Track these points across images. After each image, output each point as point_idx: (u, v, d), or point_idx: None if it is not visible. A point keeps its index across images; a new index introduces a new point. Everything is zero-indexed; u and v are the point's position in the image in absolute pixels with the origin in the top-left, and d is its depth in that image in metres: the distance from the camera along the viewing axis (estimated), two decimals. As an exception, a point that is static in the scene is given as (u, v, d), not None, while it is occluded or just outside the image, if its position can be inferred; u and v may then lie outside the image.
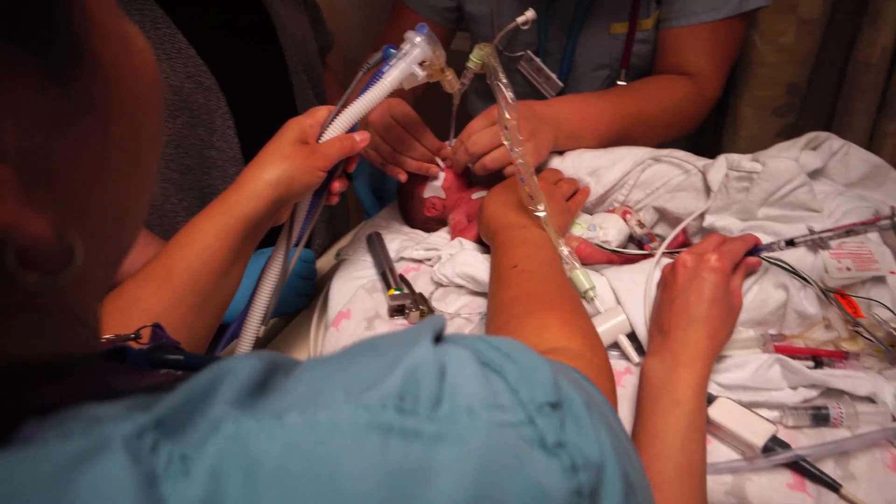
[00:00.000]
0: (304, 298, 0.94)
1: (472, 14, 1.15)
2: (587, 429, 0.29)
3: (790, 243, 0.65)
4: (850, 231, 0.61)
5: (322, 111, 0.73)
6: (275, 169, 0.67)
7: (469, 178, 0.94)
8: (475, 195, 0.91)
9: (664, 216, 0.87)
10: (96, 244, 0.27)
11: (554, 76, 1.14)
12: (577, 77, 1.14)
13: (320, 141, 0.72)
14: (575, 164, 0.91)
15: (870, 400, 0.61)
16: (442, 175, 0.92)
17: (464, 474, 0.24)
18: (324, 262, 1.07)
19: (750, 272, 0.68)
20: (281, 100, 1.07)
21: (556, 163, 0.92)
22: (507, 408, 0.27)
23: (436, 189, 0.92)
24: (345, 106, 0.73)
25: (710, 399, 0.62)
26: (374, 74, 0.73)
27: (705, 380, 0.59)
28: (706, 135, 1.43)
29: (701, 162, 0.85)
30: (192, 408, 0.25)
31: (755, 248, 0.67)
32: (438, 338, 0.30)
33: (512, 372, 0.29)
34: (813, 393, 0.61)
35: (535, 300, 0.59)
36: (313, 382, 0.27)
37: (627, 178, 0.89)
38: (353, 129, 0.74)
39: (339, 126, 0.72)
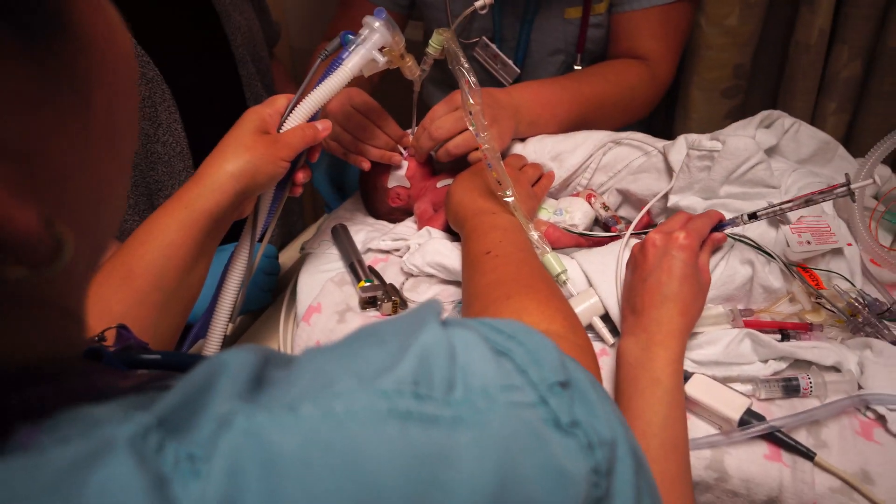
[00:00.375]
0: (268, 294, 0.91)
1: (425, 0, 1.14)
2: (596, 407, 0.29)
3: (753, 216, 0.67)
4: (808, 200, 0.63)
5: (281, 100, 0.71)
6: (237, 160, 0.65)
7: (433, 166, 0.93)
8: (440, 183, 0.90)
9: (627, 198, 0.88)
10: (79, 234, 0.25)
11: (510, 62, 1.13)
12: (533, 63, 1.14)
13: (281, 130, 0.70)
14: (537, 149, 0.91)
15: (836, 369, 0.63)
16: (405, 164, 0.91)
17: (486, 458, 0.24)
18: (286, 258, 1.04)
19: (716, 249, 0.69)
20: (229, 91, 1.03)
21: (518, 149, 0.92)
22: (520, 388, 0.27)
23: (399, 178, 0.91)
24: (304, 94, 0.71)
25: (686, 376, 0.63)
26: (333, 61, 0.71)
27: (681, 356, 0.59)
28: (658, 118, 1.46)
29: (660, 143, 0.86)
30: (192, 405, 0.23)
31: (720, 224, 0.69)
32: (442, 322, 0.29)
33: (519, 353, 0.28)
34: (782, 365, 0.63)
35: (511, 284, 0.59)
36: (319, 372, 0.26)
37: (589, 162, 0.90)
38: (314, 117, 0.72)
39: (300, 115, 0.70)
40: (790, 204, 0.64)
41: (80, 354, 0.29)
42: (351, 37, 0.73)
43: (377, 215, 0.96)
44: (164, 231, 0.62)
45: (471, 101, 0.72)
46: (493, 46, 1.13)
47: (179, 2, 0.94)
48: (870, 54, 1.19)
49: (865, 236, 0.74)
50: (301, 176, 0.73)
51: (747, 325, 0.66)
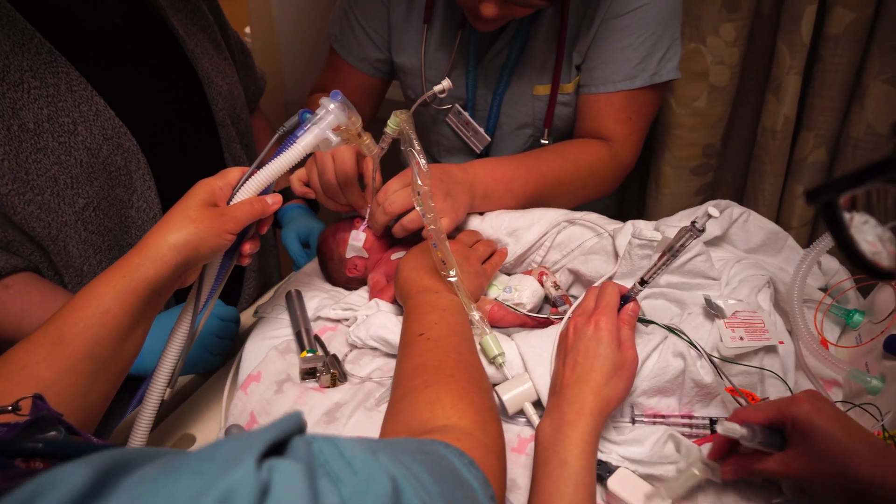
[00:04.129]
0: (218, 358, 0.92)
1: (401, 66, 1.18)
2: None
3: (643, 283, 0.70)
4: (672, 253, 0.67)
5: (234, 172, 0.73)
6: (180, 232, 0.66)
7: (390, 237, 0.95)
8: (394, 255, 0.91)
9: (578, 278, 0.89)
10: None
11: (481, 130, 1.17)
12: (502, 134, 1.18)
13: (231, 203, 0.72)
14: (494, 224, 0.93)
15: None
16: (363, 235, 0.92)
17: None
18: (248, 317, 1.05)
19: (638, 329, 0.70)
20: (208, 154, 1.06)
21: (476, 223, 0.94)
22: None
23: (357, 249, 0.93)
24: (259, 167, 0.73)
25: (611, 469, 0.63)
26: (289, 138, 0.74)
27: (591, 437, 0.59)
28: (631, 190, 1.49)
29: (612, 226, 0.88)
30: None
31: (625, 296, 0.70)
32: (281, 445, 0.30)
33: (349, 483, 0.28)
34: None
35: (433, 372, 0.60)
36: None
37: (544, 240, 0.91)
38: (265, 191, 0.74)
39: (250, 188, 0.72)
40: (664, 259, 0.68)
41: None
42: (308, 115, 0.75)
43: (335, 283, 0.97)
44: (100, 299, 0.63)
45: (419, 182, 0.74)
46: (466, 114, 1.16)
47: (161, 68, 0.98)
48: (835, 141, 1.22)
49: (804, 331, 0.74)
50: (248, 247, 0.75)
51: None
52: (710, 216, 0.64)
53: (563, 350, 0.66)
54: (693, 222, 0.64)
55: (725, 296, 0.74)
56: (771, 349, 0.70)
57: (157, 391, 0.71)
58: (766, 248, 0.88)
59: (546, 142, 1.14)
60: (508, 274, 0.93)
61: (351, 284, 0.95)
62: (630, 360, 0.65)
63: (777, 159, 1.25)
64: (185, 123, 1.02)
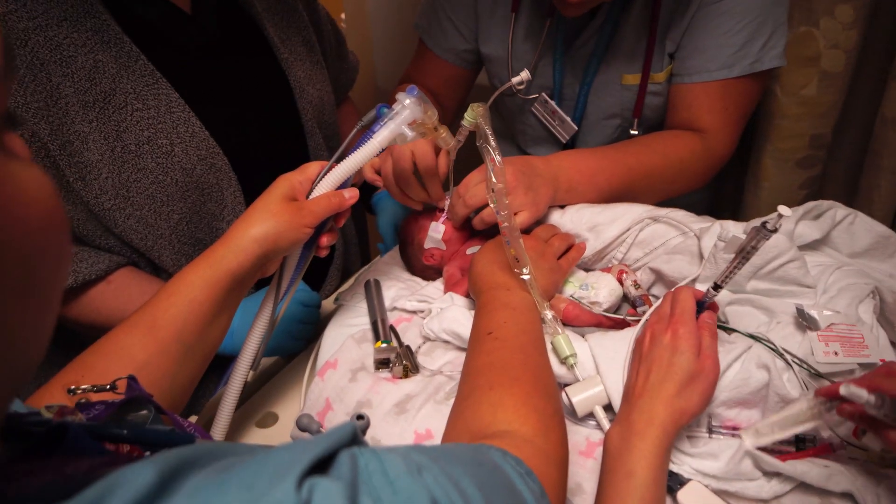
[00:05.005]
0: (300, 342, 0.95)
1: (488, 56, 1.17)
2: None
3: (717, 287, 0.67)
4: (744, 255, 0.63)
5: (313, 167, 0.75)
6: (261, 225, 0.69)
7: (469, 230, 0.94)
8: (469, 250, 0.91)
9: (660, 277, 0.86)
10: None
11: (568, 119, 1.14)
12: (589, 124, 1.14)
13: (310, 197, 0.74)
14: (574, 219, 0.91)
15: (850, 496, 0.58)
16: (442, 227, 0.93)
17: None
18: (329, 303, 1.08)
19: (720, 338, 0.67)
20: (295, 163, 1.09)
21: (556, 217, 0.92)
22: None
23: (436, 241, 0.93)
24: (338, 161, 0.75)
25: (682, 481, 0.61)
26: (367, 133, 0.75)
27: (661, 449, 0.57)
28: (727, 185, 1.40)
29: (698, 225, 0.84)
30: None
31: (700, 302, 0.67)
32: (328, 459, 0.30)
33: (388, 502, 0.29)
34: (786, 487, 0.59)
35: (498, 373, 0.59)
36: None
37: (626, 236, 0.88)
38: (343, 185, 0.76)
39: (328, 183, 0.74)
40: (735, 262, 0.64)
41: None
42: (385, 109, 0.76)
43: (412, 271, 0.99)
44: (188, 287, 0.67)
45: (494, 180, 0.73)
46: (552, 103, 1.14)
47: (255, 80, 1.01)
48: (965, 134, 1.10)
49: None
50: (326, 239, 0.77)
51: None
52: (781, 216, 0.60)
53: (639, 357, 0.64)
54: (764, 223, 0.60)
55: (821, 305, 0.69)
56: (869, 367, 0.65)
57: (240, 374, 0.75)
58: (873, 252, 0.80)
59: (635, 132, 1.10)
60: (587, 270, 0.91)
61: (427, 273, 0.96)
62: (709, 370, 0.61)
63: (896, 153, 1.14)
64: (275, 134, 1.05)
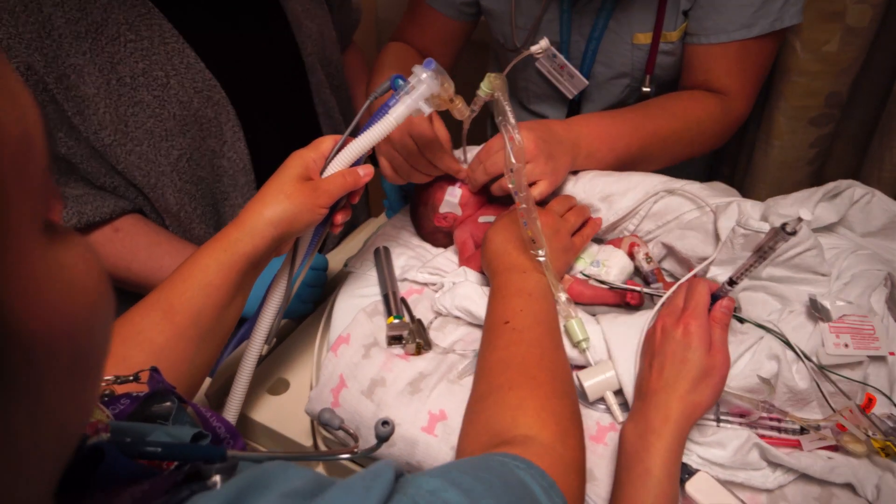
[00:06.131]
0: (309, 305, 0.96)
1: (489, 10, 1.12)
2: None
3: (732, 283, 0.67)
4: (760, 254, 0.64)
5: (327, 142, 0.73)
6: (276, 207, 0.68)
7: (485, 195, 0.93)
8: (482, 218, 0.90)
9: (672, 252, 0.85)
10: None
11: (578, 74, 1.10)
12: (596, 84, 1.11)
13: (324, 175, 0.72)
14: (587, 188, 0.90)
15: (850, 487, 0.61)
16: (458, 192, 0.91)
17: None
18: (335, 262, 1.08)
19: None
20: (297, 100, 1.06)
21: (569, 186, 0.91)
22: None
23: (452, 205, 0.92)
24: (352, 135, 0.73)
25: (691, 472, 0.63)
26: (381, 107, 0.72)
27: (676, 445, 0.59)
28: (730, 143, 1.38)
29: (714, 200, 0.83)
30: None
31: (714, 295, 0.68)
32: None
33: None
34: (789, 477, 0.61)
35: (517, 372, 0.60)
36: None
37: (640, 208, 0.87)
38: (358, 161, 0.74)
39: (342, 160, 0.72)
40: (752, 261, 0.65)
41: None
42: (401, 82, 0.73)
43: (420, 232, 0.98)
44: (204, 271, 0.67)
45: (513, 160, 0.71)
46: (561, 57, 1.09)
47: (251, 13, 0.97)
48: None
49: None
50: (340, 217, 0.76)
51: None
52: (801, 219, 0.59)
53: (650, 351, 0.65)
54: (784, 225, 0.60)
55: (834, 293, 0.69)
56: (879, 359, 0.66)
57: (254, 350, 0.76)
58: (887, 231, 0.80)
59: (647, 89, 1.06)
60: (599, 241, 0.90)
61: (436, 236, 0.95)
62: (720, 364, 0.62)
63: (914, 113, 1.12)
64: (274, 69, 1.02)
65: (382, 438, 0.51)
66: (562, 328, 0.72)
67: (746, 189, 1.32)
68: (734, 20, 0.94)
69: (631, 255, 0.86)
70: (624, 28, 1.01)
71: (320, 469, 0.82)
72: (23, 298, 0.24)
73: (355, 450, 0.55)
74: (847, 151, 1.30)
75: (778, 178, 1.27)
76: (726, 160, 1.40)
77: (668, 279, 0.85)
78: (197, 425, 0.57)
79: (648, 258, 0.85)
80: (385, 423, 0.52)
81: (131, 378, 0.61)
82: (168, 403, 0.58)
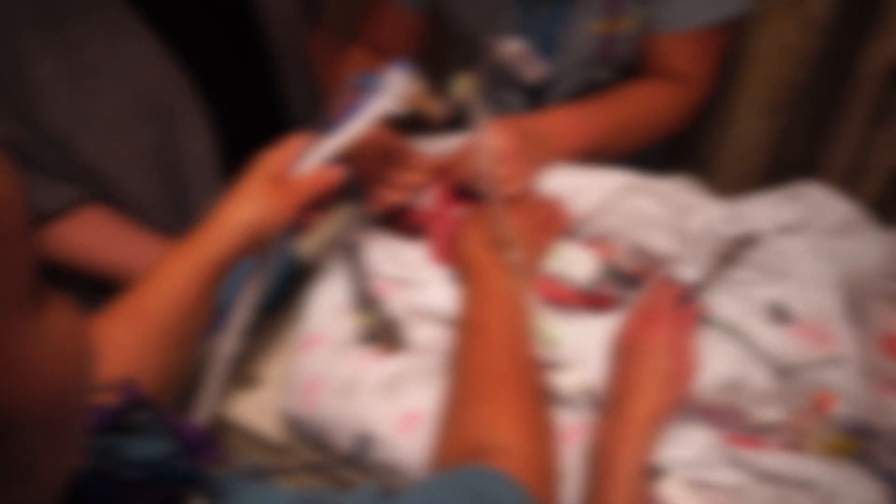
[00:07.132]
0: (279, 299, 0.95)
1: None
2: None
3: (697, 287, 0.71)
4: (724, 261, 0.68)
5: (296, 143, 0.72)
6: (246, 210, 0.67)
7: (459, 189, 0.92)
8: (453, 211, 0.90)
9: (640, 251, 0.87)
10: None
11: (541, 60, 1.08)
12: (557, 70, 1.10)
13: (296, 173, 0.71)
14: (556, 185, 0.90)
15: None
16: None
17: None
18: (306, 251, 1.05)
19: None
20: (264, 86, 1.03)
21: (540, 182, 0.91)
22: None
23: (423, 199, 0.91)
24: (321, 133, 0.72)
25: (660, 472, 0.65)
26: (352, 110, 0.71)
27: (645, 448, 0.62)
28: (691, 127, 1.40)
29: (683, 198, 0.85)
30: None
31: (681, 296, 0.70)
32: None
33: None
34: (753, 476, 0.64)
35: (487, 382, 0.62)
36: None
37: (606, 205, 0.88)
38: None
39: (314, 162, 0.71)
40: (717, 269, 0.69)
41: None
42: (371, 81, 0.72)
43: (392, 226, 0.96)
44: (174, 276, 0.66)
45: (485, 163, 0.71)
46: (524, 45, 1.07)
47: None
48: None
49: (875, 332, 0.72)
50: (312, 216, 0.75)
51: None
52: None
53: (618, 353, 0.67)
54: (747, 235, 0.62)
55: (793, 295, 0.72)
56: (837, 360, 0.69)
57: (224, 359, 0.74)
58: (846, 232, 0.83)
59: (607, 75, 1.07)
60: (569, 240, 0.91)
61: (408, 229, 0.94)
62: (686, 368, 0.65)
63: (868, 104, 1.16)
64: (236, 47, 0.99)
65: (358, 456, 0.52)
66: (532, 329, 0.73)
67: (706, 176, 1.35)
68: (693, 8, 0.95)
69: (602, 256, 0.87)
70: (580, 17, 1.01)
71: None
72: (10, 376, 0.24)
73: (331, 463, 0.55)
74: (804, 140, 1.33)
75: (736, 165, 1.31)
76: (685, 146, 1.43)
77: (638, 280, 0.86)
78: (171, 436, 0.57)
79: (616, 257, 0.87)
80: (362, 437, 0.52)
81: (104, 388, 0.59)
82: (142, 415, 0.57)
